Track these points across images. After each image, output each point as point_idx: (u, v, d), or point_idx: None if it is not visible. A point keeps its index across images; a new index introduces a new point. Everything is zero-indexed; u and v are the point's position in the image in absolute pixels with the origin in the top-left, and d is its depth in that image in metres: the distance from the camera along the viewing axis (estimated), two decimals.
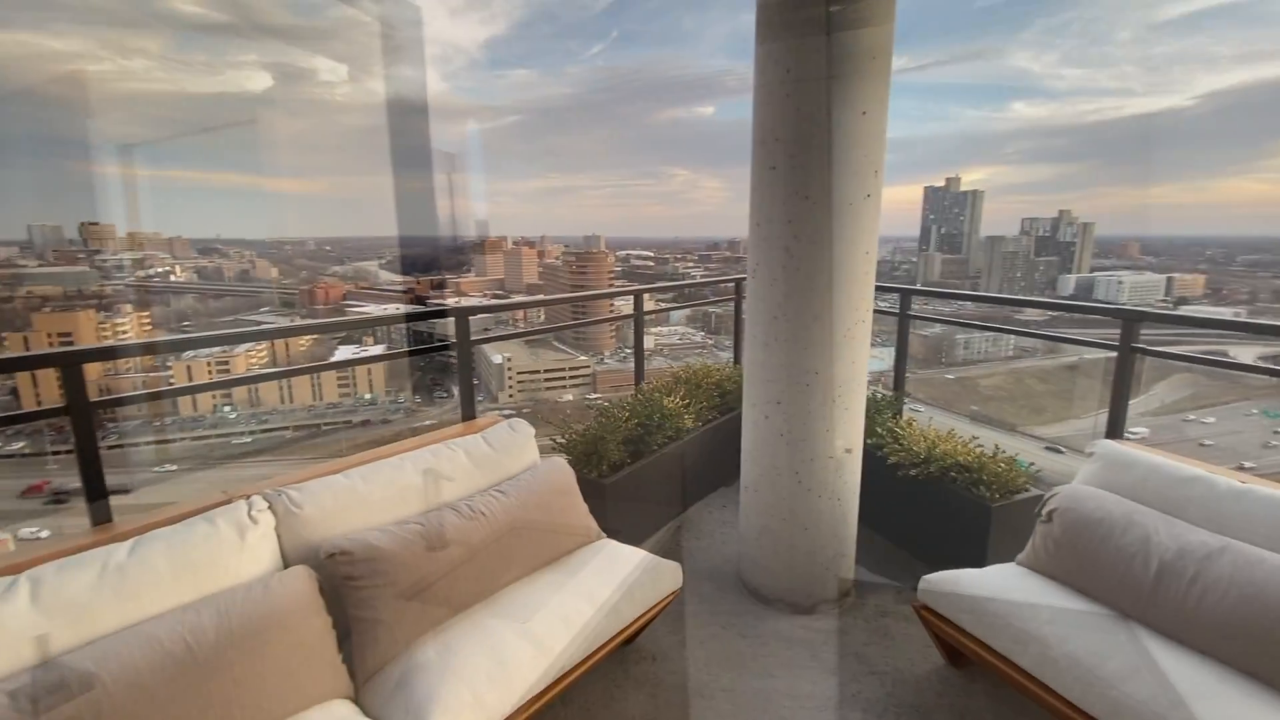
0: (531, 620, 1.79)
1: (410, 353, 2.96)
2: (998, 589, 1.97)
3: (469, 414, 2.77)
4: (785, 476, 2.51)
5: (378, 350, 9.41)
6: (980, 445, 2.87)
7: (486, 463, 2.25)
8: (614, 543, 2.31)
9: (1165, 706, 1.48)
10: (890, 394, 3.60)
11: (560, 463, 2.38)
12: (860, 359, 2.43)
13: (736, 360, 4.53)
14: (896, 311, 3.59)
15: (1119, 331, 2.58)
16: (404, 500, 1.97)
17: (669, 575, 2.22)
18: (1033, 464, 2.97)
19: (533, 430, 2.52)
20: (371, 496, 1.91)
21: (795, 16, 2.17)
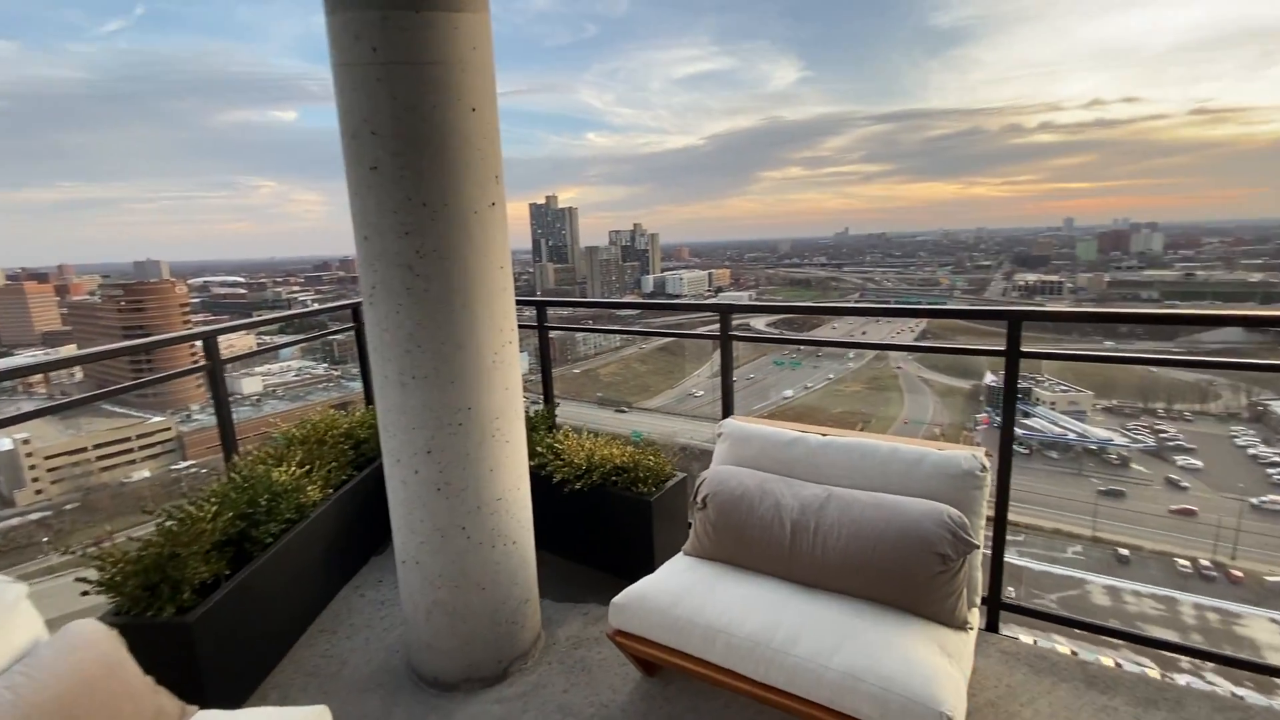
0: None
1: None
2: (680, 590, 1.99)
3: None
4: (451, 536, 2.11)
5: None
6: (629, 445, 2.98)
7: None
8: (213, 714, 1.55)
9: (827, 657, 1.66)
10: (541, 408, 3.52)
11: (89, 631, 1.47)
12: (514, 383, 2.19)
13: (369, 400, 3.84)
14: (535, 324, 3.52)
15: (719, 322, 2.98)
16: None
17: None
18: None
19: (22, 589, 1.51)
20: None
21: None
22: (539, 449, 2.99)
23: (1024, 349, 2.33)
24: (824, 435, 2.30)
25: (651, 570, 2.17)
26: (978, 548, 1.87)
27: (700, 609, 1.89)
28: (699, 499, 2.22)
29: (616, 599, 2.02)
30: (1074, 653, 2.24)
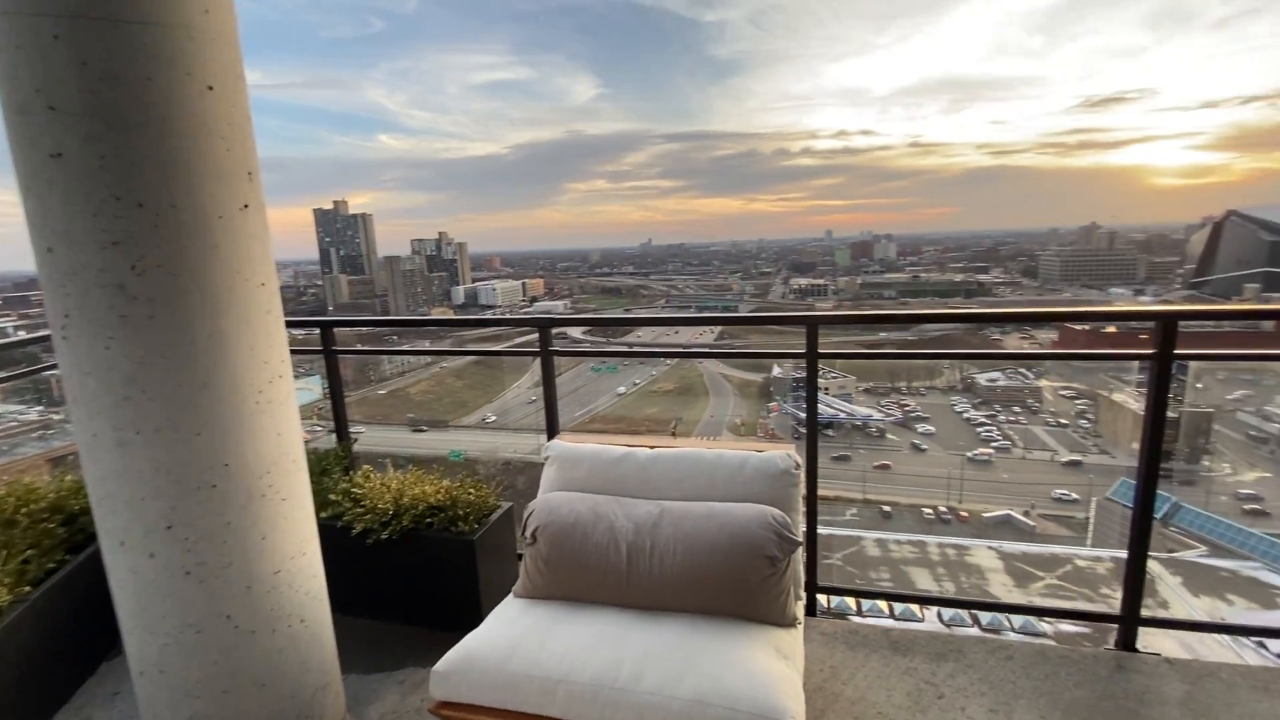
0: None
1: None
2: (511, 641, 1.78)
3: None
4: (211, 629, 1.65)
5: None
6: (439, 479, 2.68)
7: None
8: None
9: (673, 687, 1.58)
10: (336, 446, 3.02)
11: None
12: (290, 426, 1.79)
13: None
14: (321, 349, 3.01)
15: (537, 335, 2.81)
16: None
17: None
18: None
19: None
20: None
21: None
22: (332, 497, 2.54)
23: (821, 350, 2.53)
24: (652, 448, 2.25)
25: (479, 617, 1.93)
26: (800, 544, 1.95)
27: (536, 660, 1.70)
28: (528, 533, 2.03)
29: (438, 666, 1.74)
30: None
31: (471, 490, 2.61)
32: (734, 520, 1.88)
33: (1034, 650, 2.26)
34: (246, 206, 1.62)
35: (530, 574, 2.00)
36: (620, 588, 1.89)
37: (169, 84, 1.45)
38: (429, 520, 2.48)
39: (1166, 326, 2.09)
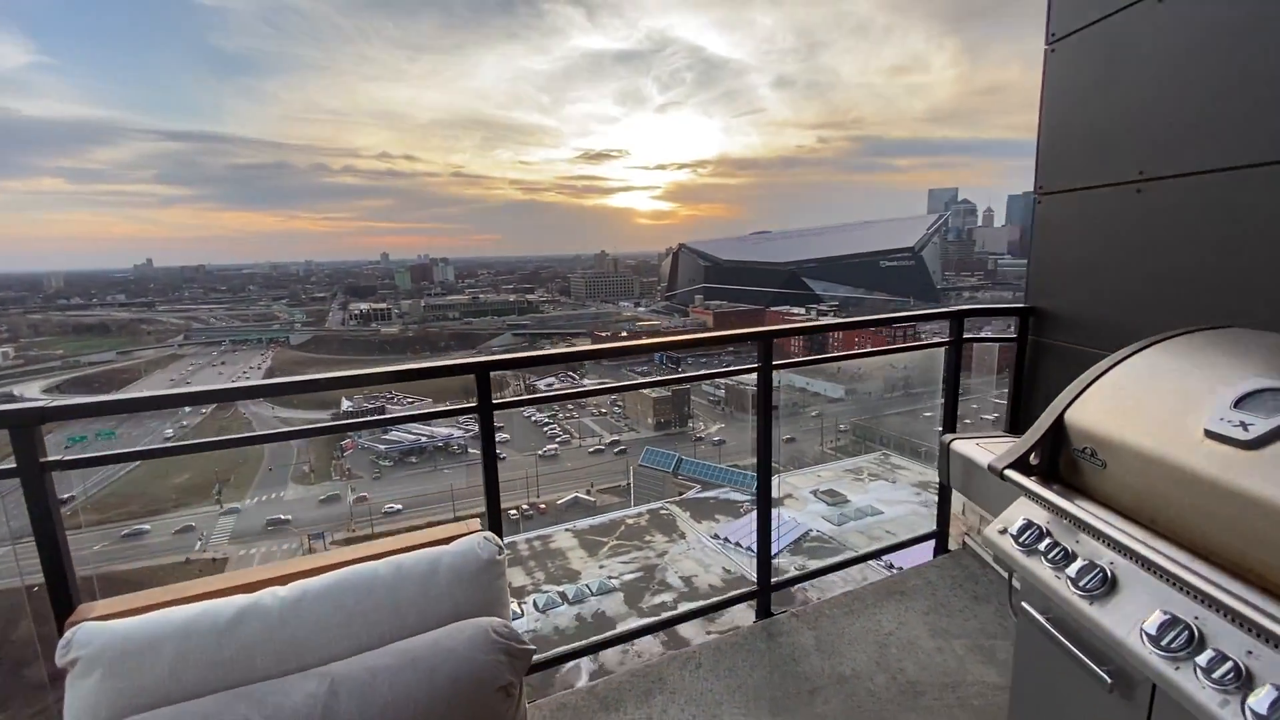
0: None
1: None
2: None
3: None
4: None
5: None
6: None
7: None
8: None
9: None
10: None
11: None
12: None
13: None
14: None
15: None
16: None
17: None
18: None
19: None
20: None
21: None
22: None
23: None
24: (285, 581, 1.51)
25: None
26: (534, 650, 1.58)
27: None
28: None
29: None
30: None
31: None
32: (446, 658, 1.38)
33: (712, 649, 2.45)
34: None
35: None
36: None
37: None
38: None
39: (765, 344, 2.56)
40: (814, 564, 3.12)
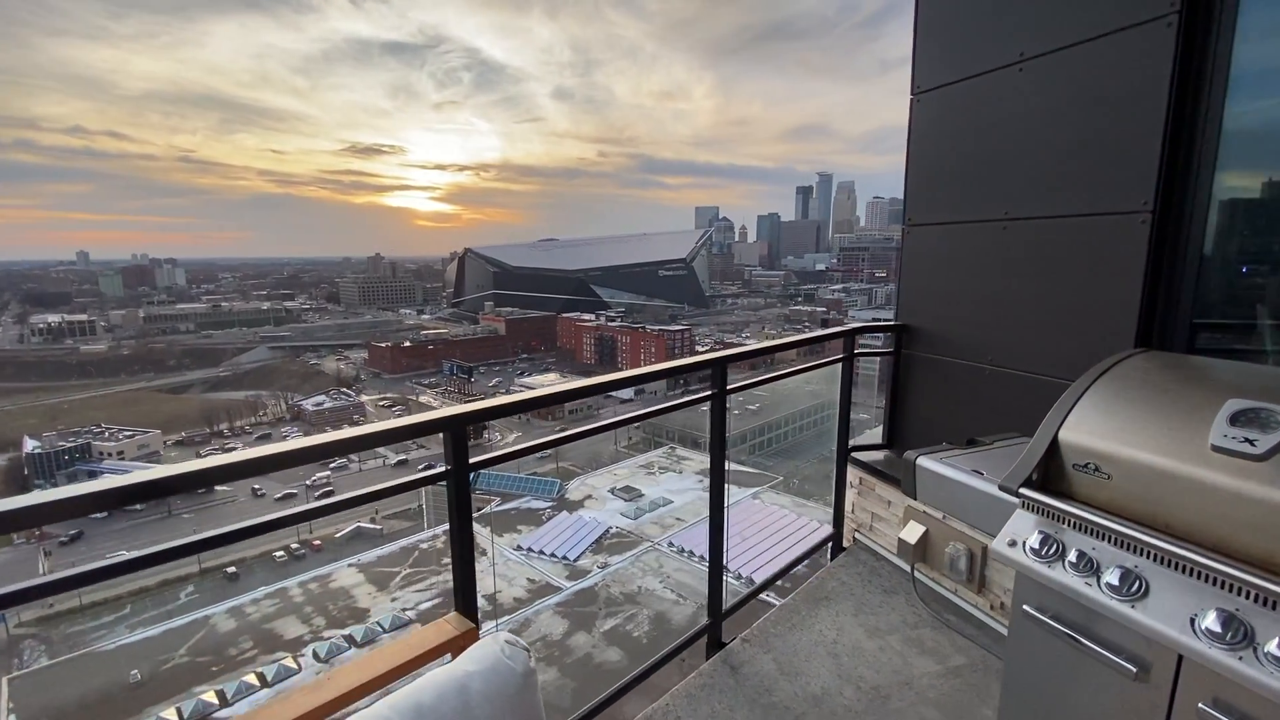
0: None
1: None
2: None
3: None
4: None
5: None
6: None
7: None
8: None
9: None
10: None
11: None
12: None
13: None
14: None
15: None
16: None
17: None
18: None
19: None
20: None
21: None
22: None
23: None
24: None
25: None
26: None
27: None
28: None
29: None
30: None
31: None
32: None
33: (683, 696, 2.35)
34: None
35: None
36: None
37: None
38: None
39: (720, 369, 2.53)
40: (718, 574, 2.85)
